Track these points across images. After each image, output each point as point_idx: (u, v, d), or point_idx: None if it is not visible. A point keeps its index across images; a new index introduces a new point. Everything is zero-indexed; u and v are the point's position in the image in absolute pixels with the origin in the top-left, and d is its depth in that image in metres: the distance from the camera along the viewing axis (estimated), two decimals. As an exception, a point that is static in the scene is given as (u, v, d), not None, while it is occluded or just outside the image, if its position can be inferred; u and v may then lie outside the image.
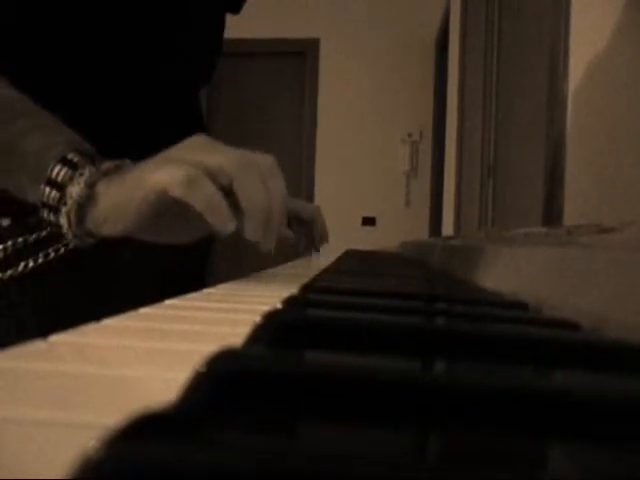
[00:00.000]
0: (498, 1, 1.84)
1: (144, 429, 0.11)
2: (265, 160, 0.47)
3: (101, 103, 0.65)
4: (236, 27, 0.78)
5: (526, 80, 1.41)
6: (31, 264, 0.58)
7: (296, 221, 0.93)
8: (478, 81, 2.04)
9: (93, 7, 0.62)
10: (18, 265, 0.58)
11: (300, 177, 3.99)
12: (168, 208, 0.45)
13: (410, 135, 3.88)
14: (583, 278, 0.33)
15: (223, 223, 0.44)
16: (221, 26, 0.77)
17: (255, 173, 0.45)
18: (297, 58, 4.03)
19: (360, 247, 2.03)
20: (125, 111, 0.67)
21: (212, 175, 0.43)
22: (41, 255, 0.58)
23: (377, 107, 3.92)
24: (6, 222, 0.60)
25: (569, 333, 0.28)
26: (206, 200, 0.43)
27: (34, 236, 0.59)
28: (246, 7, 0.82)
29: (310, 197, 3.97)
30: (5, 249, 0.59)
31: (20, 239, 0.59)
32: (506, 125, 1.70)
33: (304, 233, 0.95)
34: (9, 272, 0.59)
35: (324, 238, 0.99)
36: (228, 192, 0.44)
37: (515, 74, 1.59)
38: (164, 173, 0.43)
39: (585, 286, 0.33)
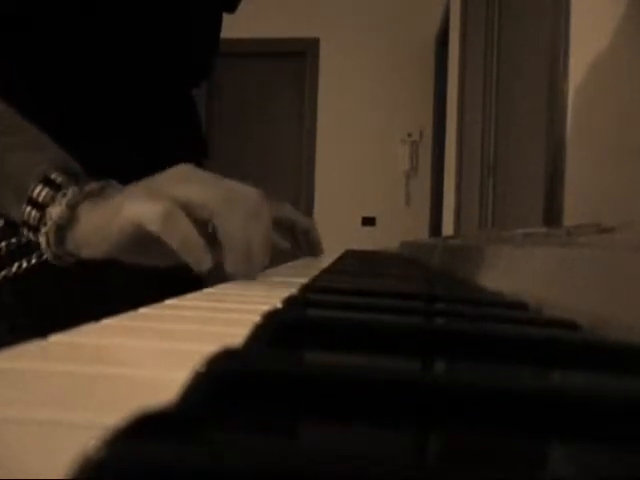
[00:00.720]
0: (498, 1, 1.84)
1: (144, 429, 0.11)
2: (250, 194, 0.46)
3: (96, 101, 0.65)
4: (236, 27, 0.78)
5: (526, 80, 1.41)
6: (24, 265, 0.58)
7: (290, 232, 0.92)
8: (478, 81, 2.04)
9: (89, 6, 0.62)
10: (11, 266, 0.58)
11: (300, 177, 3.99)
12: (147, 237, 0.45)
13: (410, 135, 3.88)
14: (583, 278, 0.33)
15: (198, 262, 0.44)
16: (217, 25, 0.77)
17: (237, 208, 0.44)
18: (297, 58, 4.03)
19: (360, 247, 2.03)
20: (120, 110, 0.67)
21: (191, 210, 0.43)
22: (34, 256, 0.58)
23: (377, 107, 3.92)
24: None
25: (569, 333, 0.28)
26: (181, 238, 0.43)
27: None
28: (246, 7, 0.82)
29: (310, 197, 3.97)
30: None
31: (13, 240, 0.59)
32: (506, 125, 1.70)
33: (299, 244, 0.95)
34: (2, 273, 0.59)
35: (318, 250, 0.98)
36: (207, 225, 0.44)
37: (515, 74, 1.59)
38: (142, 207, 0.43)
39: (585, 286, 0.33)
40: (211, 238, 0.45)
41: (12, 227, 0.59)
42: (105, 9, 0.63)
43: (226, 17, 0.78)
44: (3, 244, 0.59)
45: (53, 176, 0.46)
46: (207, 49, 0.76)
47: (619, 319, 0.27)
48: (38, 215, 0.46)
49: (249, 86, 4.07)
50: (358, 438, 0.15)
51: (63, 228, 0.46)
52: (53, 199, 0.46)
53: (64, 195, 0.45)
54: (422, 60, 3.82)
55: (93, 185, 0.46)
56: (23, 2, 0.59)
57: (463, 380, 0.14)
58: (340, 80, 3.97)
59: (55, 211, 0.45)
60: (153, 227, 0.42)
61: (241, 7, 0.80)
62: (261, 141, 4.05)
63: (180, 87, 0.76)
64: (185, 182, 0.45)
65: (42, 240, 0.46)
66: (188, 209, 0.43)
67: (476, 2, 2.20)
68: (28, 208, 0.46)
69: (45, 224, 0.46)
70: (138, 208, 0.43)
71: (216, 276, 0.48)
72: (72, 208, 0.45)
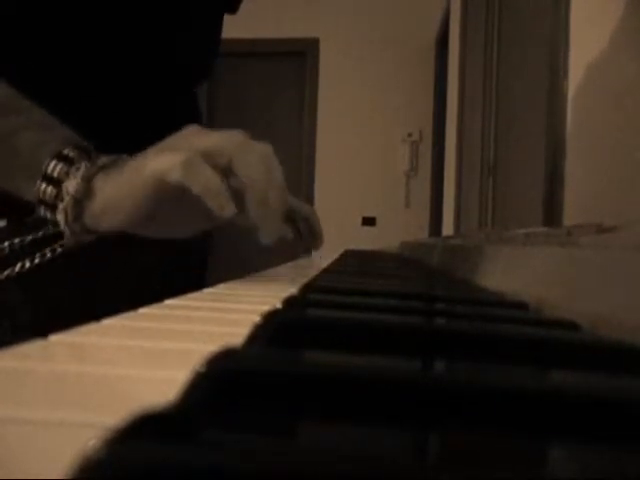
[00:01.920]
0: (498, 1, 1.84)
1: (144, 429, 0.11)
2: (263, 146, 0.46)
3: (98, 102, 0.65)
4: (236, 27, 0.78)
5: (526, 80, 1.41)
6: (28, 265, 0.58)
7: (292, 221, 0.92)
8: (478, 81, 2.04)
9: (90, 5, 0.62)
10: (15, 265, 0.58)
11: (300, 177, 3.99)
12: (166, 199, 0.44)
13: (410, 135, 3.88)
14: (583, 278, 0.33)
15: (221, 207, 0.43)
16: (219, 25, 0.77)
17: (253, 152, 0.44)
18: (297, 58, 4.03)
19: (360, 247, 2.03)
20: (122, 110, 0.67)
21: (210, 157, 0.43)
22: (38, 255, 0.58)
23: (377, 107, 3.92)
24: (2, 223, 0.60)
25: (569, 333, 0.28)
26: (204, 183, 0.42)
27: (31, 236, 0.59)
28: (246, 7, 0.82)
29: (310, 197, 3.97)
30: (2, 250, 0.59)
31: (17, 240, 0.59)
32: (506, 125, 1.70)
33: (300, 233, 0.94)
34: (6, 272, 0.59)
35: (320, 239, 0.98)
36: (227, 175, 0.44)
37: (515, 74, 1.59)
38: (161, 160, 0.43)
39: (585, 286, 0.33)
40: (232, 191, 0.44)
41: (15, 226, 0.59)
42: (106, 9, 0.63)
43: (226, 17, 0.78)
44: (6, 244, 0.59)
45: (66, 151, 0.46)
46: (208, 49, 0.77)
47: (619, 319, 0.27)
48: (55, 191, 0.46)
49: (249, 86, 4.07)
50: (358, 438, 0.15)
51: (80, 202, 0.45)
52: (67, 174, 0.45)
53: (78, 169, 0.45)
54: (422, 60, 3.82)
55: (105, 158, 0.46)
56: (23, 3, 0.59)
57: (463, 380, 0.14)
58: (340, 80, 3.96)
59: (71, 185, 0.45)
60: (175, 176, 0.42)
61: (241, 7, 0.80)
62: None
63: (181, 87, 0.76)
64: (198, 136, 0.45)
65: (60, 217, 0.46)
66: (207, 157, 0.43)
67: (476, 2, 2.20)
68: (43, 185, 0.46)
69: (62, 200, 0.46)
70: (159, 161, 0.43)
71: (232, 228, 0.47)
72: (87, 180, 0.45)
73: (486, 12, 1.95)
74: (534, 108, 1.24)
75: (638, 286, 0.27)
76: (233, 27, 0.77)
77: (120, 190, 0.45)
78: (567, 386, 0.15)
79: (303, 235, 0.94)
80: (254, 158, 0.44)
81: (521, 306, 0.37)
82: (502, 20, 1.81)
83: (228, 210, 0.43)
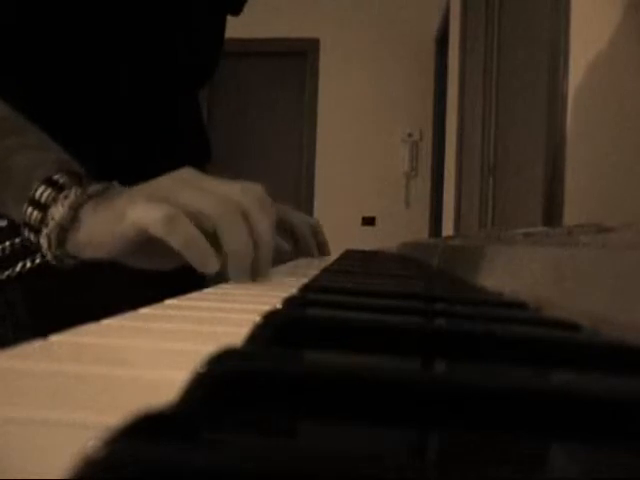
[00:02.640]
0: (498, 1, 1.84)
1: (144, 429, 0.11)
2: (253, 193, 0.46)
3: (100, 104, 0.65)
4: (236, 27, 0.78)
5: (526, 80, 1.41)
6: (28, 265, 0.58)
7: (291, 234, 0.92)
8: (478, 81, 2.04)
9: (92, 8, 0.62)
10: (15, 266, 0.58)
11: (300, 177, 3.99)
12: (148, 244, 0.44)
13: (410, 135, 3.88)
14: (583, 278, 0.33)
15: (203, 263, 0.44)
16: (222, 28, 0.77)
17: (239, 217, 0.44)
18: (297, 58, 4.03)
19: (360, 247, 2.03)
20: (123, 113, 0.67)
21: (194, 217, 0.43)
22: (38, 256, 0.58)
23: (377, 107, 3.92)
24: (3, 223, 0.60)
25: (569, 333, 0.28)
26: (184, 239, 0.43)
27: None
28: (246, 7, 0.82)
29: (310, 197, 3.97)
30: (3, 249, 0.59)
31: (17, 240, 0.59)
32: (506, 125, 1.70)
33: (299, 245, 0.95)
34: (6, 273, 0.59)
35: (325, 251, 0.98)
36: (212, 235, 0.44)
37: (515, 74, 1.59)
38: (145, 211, 0.43)
39: (585, 286, 0.33)
40: (215, 244, 0.45)
41: (16, 227, 0.59)
42: (108, 12, 0.63)
43: (227, 17, 0.78)
44: (7, 244, 0.59)
45: (56, 177, 0.46)
46: (211, 52, 0.77)
47: (619, 319, 0.27)
48: (40, 216, 0.46)
49: (249, 86, 4.07)
50: (358, 438, 0.15)
51: (65, 229, 0.45)
52: (55, 200, 0.45)
53: (66, 197, 0.45)
54: (422, 60, 3.82)
55: (96, 187, 0.46)
56: (23, 10, 0.59)
57: (463, 380, 0.14)
58: (340, 80, 3.96)
59: (57, 212, 0.45)
60: (156, 231, 0.42)
61: (241, 7, 0.80)
62: (261, 141, 4.05)
63: (184, 89, 0.76)
64: (188, 188, 0.45)
65: (43, 241, 0.46)
66: (191, 217, 0.43)
67: (476, 2, 2.20)
68: (30, 208, 0.46)
69: (47, 225, 0.46)
70: (141, 212, 0.43)
71: (221, 278, 0.48)
72: (74, 209, 0.45)
73: (486, 12, 1.95)
74: (534, 108, 1.24)
75: (638, 286, 0.27)
76: (233, 27, 0.77)
77: (103, 227, 0.45)
78: (567, 386, 0.15)
79: (301, 250, 0.94)
80: (238, 226, 0.44)
81: (521, 306, 0.37)
82: (502, 20, 1.81)
83: (211, 265, 0.44)
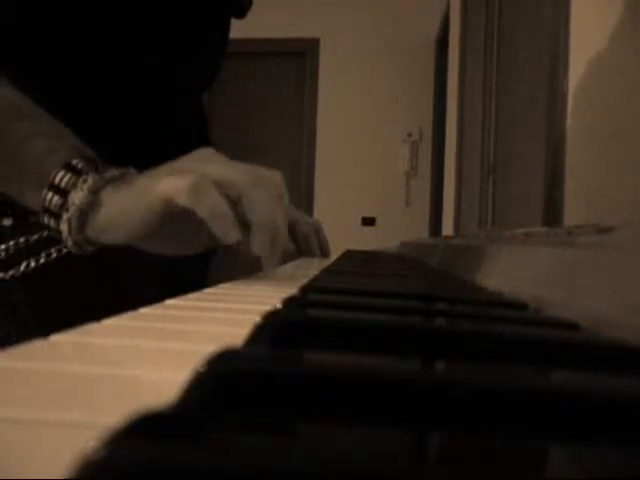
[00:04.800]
0: (498, 1, 1.84)
1: (144, 429, 0.11)
2: (273, 177, 0.46)
3: (104, 106, 0.65)
4: (236, 27, 0.78)
5: (526, 80, 1.41)
6: (33, 264, 0.58)
7: (293, 233, 0.93)
8: (478, 81, 2.04)
9: (96, 10, 0.62)
10: (20, 265, 0.58)
11: (300, 177, 3.99)
12: (172, 219, 0.44)
13: (410, 135, 3.88)
14: (583, 278, 0.33)
15: (226, 232, 0.43)
16: (226, 31, 0.77)
17: (264, 189, 0.45)
18: (297, 58, 4.03)
19: (360, 247, 2.03)
20: (129, 114, 0.67)
21: (220, 186, 0.43)
22: (43, 255, 0.58)
23: (377, 107, 3.92)
24: (8, 222, 0.60)
25: (569, 333, 0.28)
26: (211, 208, 0.42)
27: (36, 236, 0.59)
28: (246, 7, 0.82)
29: (310, 197, 3.97)
30: (7, 249, 0.59)
31: (22, 239, 0.59)
32: (506, 125, 1.70)
33: (300, 244, 0.95)
34: (11, 272, 0.59)
35: (325, 252, 0.98)
36: (236, 204, 0.44)
37: (515, 74, 1.59)
38: (170, 181, 0.43)
39: (585, 286, 0.33)
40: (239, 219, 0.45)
41: (21, 226, 0.59)
42: (113, 13, 0.63)
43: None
44: (11, 243, 0.59)
45: (74, 162, 0.46)
46: (216, 54, 0.77)
47: (619, 319, 0.27)
48: (60, 201, 0.46)
49: (249, 86, 4.07)
50: (358, 438, 0.15)
51: (85, 213, 0.45)
52: (75, 185, 0.45)
53: (85, 181, 0.45)
54: (422, 60, 3.82)
55: (113, 171, 0.46)
56: (23, 12, 0.59)
57: (463, 380, 0.14)
58: (340, 80, 3.96)
59: (78, 196, 0.45)
60: (183, 199, 0.42)
61: (241, 7, 0.80)
62: (261, 141, 4.05)
63: (189, 91, 0.76)
64: (210, 162, 0.45)
65: (64, 227, 0.46)
66: (217, 184, 0.43)
67: (476, 2, 2.20)
68: (50, 194, 0.46)
69: (67, 210, 0.46)
70: (168, 183, 0.43)
71: (237, 262, 0.48)
72: (94, 193, 0.45)
73: (486, 12, 1.95)
74: (534, 108, 1.24)
75: (638, 286, 0.27)
76: (233, 27, 0.77)
77: (126, 207, 0.45)
78: (567, 386, 0.15)
79: (301, 249, 0.95)
80: (264, 197, 0.44)
81: (521, 306, 0.37)
82: (502, 20, 1.81)
83: (233, 235, 0.43)
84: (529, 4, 1.45)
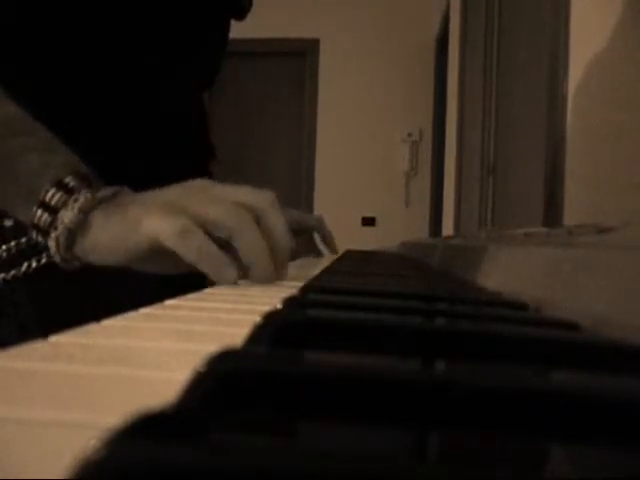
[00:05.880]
0: (498, 1, 1.84)
1: (144, 429, 0.11)
2: (264, 200, 0.46)
3: (104, 106, 0.65)
4: (236, 27, 0.78)
5: (526, 80, 1.41)
6: (34, 264, 0.58)
7: (297, 232, 0.93)
8: (478, 81, 2.04)
9: (96, 11, 0.62)
10: (21, 265, 0.58)
11: (300, 177, 3.99)
12: (159, 254, 0.44)
13: (410, 135, 3.88)
14: (583, 278, 0.33)
15: (220, 273, 0.44)
16: (226, 31, 0.77)
17: (254, 225, 0.44)
18: (297, 58, 4.03)
19: (360, 247, 2.03)
20: (129, 114, 0.67)
21: (208, 228, 0.43)
22: (44, 255, 0.58)
23: (377, 107, 3.92)
24: (10, 223, 0.60)
25: (569, 333, 0.28)
26: (198, 252, 0.42)
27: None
28: (246, 7, 0.82)
29: (310, 197, 3.97)
30: (9, 249, 0.59)
31: (23, 239, 0.59)
32: (506, 125, 1.70)
33: (304, 242, 0.96)
34: (12, 272, 0.59)
35: (332, 246, 0.99)
36: (227, 245, 0.44)
37: (515, 74, 1.59)
38: (158, 222, 0.43)
39: (585, 286, 0.33)
40: (232, 253, 0.45)
41: (22, 227, 0.59)
42: (111, 16, 0.63)
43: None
44: (13, 244, 0.59)
45: (66, 180, 0.46)
46: (216, 54, 0.77)
47: (619, 319, 0.27)
48: (49, 219, 0.46)
49: (249, 86, 4.06)
50: (358, 438, 0.15)
51: (74, 233, 0.45)
52: (65, 203, 0.45)
53: (76, 200, 0.45)
54: (422, 60, 3.82)
55: (106, 191, 0.46)
56: (23, 11, 0.59)
57: (463, 380, 0.14)
58: (340, 80, 3.96)
59: (67, 216, 0.45)
60: (170, 242, 0.42)
61: (241, 7, 0.80)
62: (261, 141, 4.05)
63: (188, 92, 0.76)
64: (201, 197, 0.45)
65: (52, 244, 0.46)
66: (205, 227, 0.43)
67: (476, 2, 2.20)
68: (39, 211, 0.46)
69: (56, 228, 0.45)
70: (154, 223, 0.43)
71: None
72: (84, 213, 0.45)
73: (486, 12, 1.95)
74: (534, 108, 1.24)
75: (638, 286, 0.27)
76: (233, 27, 0.77)
77: (114, 235, 0.45)
78: (567, 386, 0.15)
79: (305, 246, 0.95)
80: (254, 233, 0.44)
81: (521, 306, 0.37)
82: (502, 20, 1.81)
83: (228, 276, 0.44)
84: (529, 4, 1.45)
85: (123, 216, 0.45)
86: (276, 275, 0.47)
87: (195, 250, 0.43)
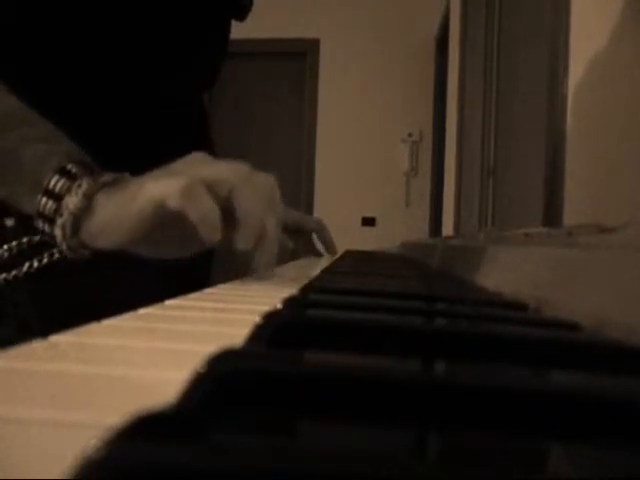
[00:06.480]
0: (498, 1, 1.84)
1: (144, 429, 0.11)
2: (266, 180, 0.46)
3: (103, 106, 0.65)
4: (236, 27, 0.78)
5: (526, 80, 1.41)
6: (36, 264, 0.58)
7: (297, 233, 0.93)
8: (478, 81, 2.04)
9: (96, 12, 0.62)
10: (23, 265, 0.58)
11: (300, 177, 3.99)
12: (164, 222, 0.44)
13: (410, 135, 3.88)
14: (583, 278, 0.33)
15: (212, 235, 0.44)
16: (226, 33, 0.77)
17: (253, 188, 0.45)
18: (297, 58, 4.03)
19: (360, 247, 2.03)
20: (129, 114, 0.67)
21: (210, 186, 0.43)
22: (46, 255, 0.58)
23: (377, 107, 3.92)
24: (11, 222, 0.60)
25: (569, 333, 0.28)
26: (202, 212, 0.43)
27: (39, 236, 0.59)
28: (246, 7, 0.82)
29: (310, 197, 3.97)
30: (10, 249, 0.59)
31: (25, 239, 0.59)
32: (506, 125, 1.70)
33: (304, 244, 0.96)
34: (13, 272, 0.59)
35: (331, 249, 0.99)
36: (225, 204, 0.44)
37: (515, 74, 1.59)
38: (162, 184, 0.43)
39: (585, 286, 0.33)
40: (228, 218, 0.45)
41: (24, 226, 0.59)
42: (113, 17, 0.63)
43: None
44: (14, 243, 0.59)
45: (69, 167, 0.46)
46: (217, 56, 0.77)
47: (619, 319, 0.27)
48: (54, 206, 0.46)
49: (249, 86, 4.06)
50: (358, 438, 0.15)
51: (79, 218, 0.46)
52: (69, 189, 0.46)
53: (79, 185, 0.45)
54: (422, 60, 3.81)
55: (108, 176, 0.46)
56: (23, 12, 0.59)
57: (463, 380, 0.14)
58: (340, 80, 3.96)
59: (72, 201, 0.45)
60: (174, 202, 0.42)
61: (241, 7, 0.80)
62: (261, 141, 4.05)
63: (189, 92, 0.76)
64: (201, 163, 0.46)
65: (58, 232, 0.46)
66: (208, 185, 0.43)
67: (476, 2, 2.20)
68: (44, 199, 0.46)
69: (61, 215, 0.46)
70: (159, 186, 0.43)
71: (227, 261, 0.48)
72: (88, 198, 0.45)
73: (486, 12, 1.95)
74: (534, 108, 1.24)
75: (638, 286, 0.27)
76: (233, 27, 0.77)
77: (119, 211, 0.45)
78: (567, 386, 0.15)
79: (305, 248, 0.95)
80: (253, 193, 0.45)
81: (521, 306, 0.37)
82: (502, 20, 1.81)
83: (215, 236, 0.44)
84: (529, 4, 1.45)
85: (125, 192, 0.45)
86: (261, 264, 0.47)
87: (199, 211, 0.43)
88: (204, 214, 0.43)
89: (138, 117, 0.68)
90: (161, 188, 0.43)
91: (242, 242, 0.45)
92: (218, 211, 0.43)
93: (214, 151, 0.83)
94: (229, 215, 0.44)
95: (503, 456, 0.15)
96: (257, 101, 4.06)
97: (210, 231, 0.43)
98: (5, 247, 0.59)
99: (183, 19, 0.69)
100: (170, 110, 0.71)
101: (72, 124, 0.52)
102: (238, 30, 0.81)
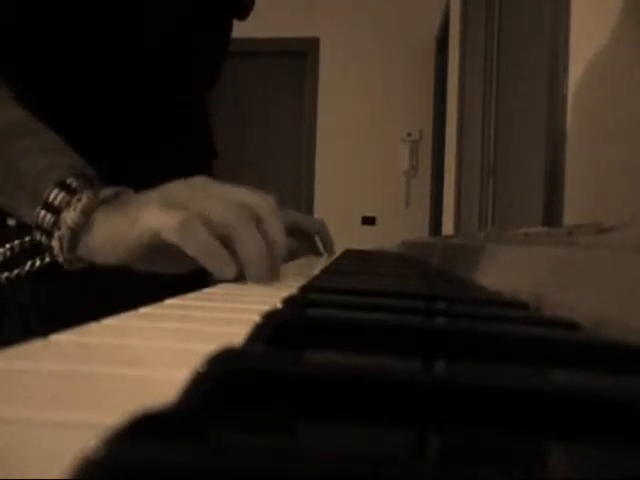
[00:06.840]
0: (498, 1, 1.84)
1: (144, 429, 0.11)
2: (264, 202, 0.46)
3: (104, 106, 0.65)
4: (236, 27, 0.78)
5: (526, 80, 1.41)
6: (38, 264, 0.58)
7: (298, 233, 0.94)
8: (478, 81, 2.04)
9: (96, 12, 0.62)
10: (25, 265, 0.58)
11: (300, 177, 3.99)
12: (161, 250, 0.45)
13: (410, 135, 3.88)
14: (583, 278, 0.33)
15: (221, 268, 0.44)
16: (228, 31, 0.77)
17: (253, 223, 0.45)
18: (297, 58, 4.03)
19: (360, 246, 2.03)
20: (130, 114, 0.67)
21: (208, 223, 0.43)
22: (48, 255, 0.58)
23: (377, 107, 3.92)
24: (13, 222, 0.60)
25: (569, 333, 0.28)
26: (199, 245, 0.43)
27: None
28: (246, 6, 0.82)
29: (310, 197, 3.97)
30: (12, 248, 0.59)
31: (27, 238, 0.59)
32: (506, 125, 1.70)
33: (307, 245, 0.97)
34: (16, 271, 0.59)
35: (330, 250, 1.00)
36: (226, 242, 0.44)
37: (515, 74, 1.59)
38: (159, 217, 0.43)
39: (585, 286, 0.33)
40: (231, 249, 0.45)
41: (25, 226, 0.59)
42: (112, 16, 0.63)
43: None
44: (16, 243, 0.59)
45: (69, 181, 0.46)
46: (218, 55, 0.77)
47: (619, 319, 0.27)
48: (52, 219, 0.46)
49: (249, 86, 4.06)
50: (358, 438, 0.15)
51: (77, 233, 0.46)
52: (68, 204, 0.46)
53: (79, 200, 0.45)
54: (422, 60, 3.81)
55: (108, 191, 0.46)
56: (23, 12, 0.59)
57: (463, 380, 0.14)
58: (340, 80, 3.96)
59: (70, 216, 0.45)
60: (170, 237, 0.43)
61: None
62: (261, 141, 4.05)
63: (192, 92, 0.76)
64: (202, 194, 0.45)
65: (55, 245, 0.46)
66: (205, 223, 0.43)
67: (476, 2, 2.20)
68: (42, 212, 0.46)
69: (59, 228, 0.46)
70: (155, 218, 0.43)
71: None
72: (87, 214, 0.45)
73: (486, 12, 1.95)
74: (534, 108, 1.24)
75: (638, 286, 0.27)
76: (233, 27, 0.77)
77: (117, 232, 0.45)
78: (567, 386, 0.15)
79: (306, 249, 0.96)
80: (252, 231, 0.44)
81: (521, 306, 0.37)
82: (502, 20, 1.81)
83: (228, 272, 0.44)
84: (529, 4, 1.45)
85: (124, 213, 0.45)
86: (271, 274, 0.47)
87: (197, 244, 0.43)
88: (203, 248, 0.43)
89: (138, 117, 0.68)
90: (159, 221, 0.43)
91: (253, 279, 0.45)
92: (218, 244, 0.43)
93: (216, 153, 0.82)
94: (232, 252, 0.45)
95: (503, 456, 0.15)
96: (257, 100, 4.06)
97: (215, 263, 0.44)
98: (7, 246, 0.59)
99: (184, 19, 0.69)
100: (170, 110, 0.71)
101: (72, 124, 0.52)
102: (238, 29, 0.80)
